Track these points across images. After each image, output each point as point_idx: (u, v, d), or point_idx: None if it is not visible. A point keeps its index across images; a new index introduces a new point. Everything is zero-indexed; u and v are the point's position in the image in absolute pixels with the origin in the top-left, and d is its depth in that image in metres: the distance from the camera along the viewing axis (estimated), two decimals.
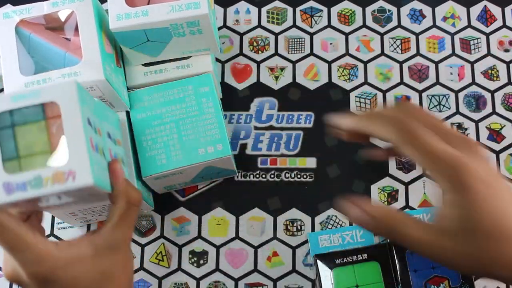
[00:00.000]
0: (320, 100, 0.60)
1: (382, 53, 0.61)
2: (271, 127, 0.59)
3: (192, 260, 0.56)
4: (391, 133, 0.37)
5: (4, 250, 0.38)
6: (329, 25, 0.62)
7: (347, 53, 0.61)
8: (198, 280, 0.55)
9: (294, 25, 0.63)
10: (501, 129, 0.58)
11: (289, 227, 0.56)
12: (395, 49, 0.61)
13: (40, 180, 0.37)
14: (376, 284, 0.48)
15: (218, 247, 0.56)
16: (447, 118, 0.59)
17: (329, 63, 0.61)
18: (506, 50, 0.61)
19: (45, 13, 0.49)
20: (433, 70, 0.60)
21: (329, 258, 0.50)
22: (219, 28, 0.63)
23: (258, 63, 0.61)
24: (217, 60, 0.62)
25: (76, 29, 0.50)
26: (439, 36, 0.62)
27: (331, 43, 0.62)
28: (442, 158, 0.35)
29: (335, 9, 0.63)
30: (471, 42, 0.61)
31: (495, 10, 0.62)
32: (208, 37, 0.51)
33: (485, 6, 0.63)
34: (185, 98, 0.53)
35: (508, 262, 0.35)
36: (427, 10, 0.63)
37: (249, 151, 0.59)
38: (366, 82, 0.60)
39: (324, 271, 0.49)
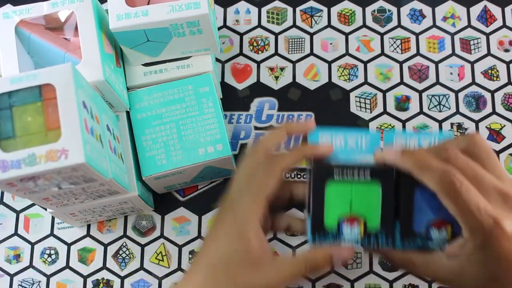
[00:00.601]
0: (320, 100, 0.60)
1: (382, 53, 0.61)
2: (271, 127, 0.59)
3: (192, 260, 0.56)
4: (435, 184, 0.37)
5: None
6: (329, 25, 0.62)
7: (347, 53, 0.61)
8: None
9: (294, 25, 0.63)
10: (501, 129, 0.58)
11: None
12: (395, 49, 0.61)
13: (34, 158, 0.38)
14: (372, 205, 0.42)
15: None
16: (447, 118, 0.59)
17: (329, 63, 0.61)
18: (506, 50, 0.61)
19: (45, 14, 0.49)
20: (433, 70, 0.60)
21: (327, 171, 0.42)
22: (219, 28, 0.63)
23: (258, 63, 0.61)
24: (217, 60, 0.62)
25: (76, 29, 0.50)
26: (439, 36, 0.62)
27: (331, 43, 0.62)
28: (479, 219, 0.36)
29: (335, 9, 0.63)
30: (471, 42, 0.61)
31: (495, 10, 0.62)
32: (208, 37, 0.51)
33: (485, 6, 0.63)
34: (185, 98, 0.53)
35: None
36: (427, 10, 0.63)
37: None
38: (366, 82, 0.60)
39: (318, 185, 0.43)
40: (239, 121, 0.60)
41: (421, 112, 0.59)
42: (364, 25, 0.62)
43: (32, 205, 0.58)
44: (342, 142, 0.45)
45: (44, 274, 0.56)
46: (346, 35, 0.62)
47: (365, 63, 0.61)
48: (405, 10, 0.63)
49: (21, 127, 0.40)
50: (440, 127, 0.58)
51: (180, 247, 0.56)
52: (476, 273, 0.37)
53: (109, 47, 0.51)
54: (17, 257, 0.57)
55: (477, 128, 0.58)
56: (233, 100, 0.60)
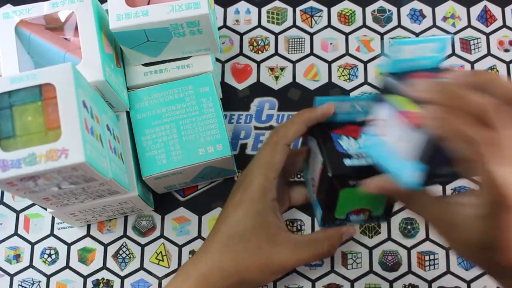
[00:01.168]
0: None
1: (382, 53, 0.61)
2: (271, 127, 0.59)
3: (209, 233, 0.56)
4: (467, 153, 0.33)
5: None
6: (329, 25, 0.62)
7: (347, 53, 0.61)
8: None
9: (294, 25, 0.63)
10: None
11: (289, 227, 0.56)
12: None
13: (34, 157, 0.39)
14: (379, 200, 0.47)
15: None
16: None
17: (329, 63, 0.61)
18: (506, 50, 0.61)
19: (45, 14, 0.49)
20: None
21: (343, 179, 0.45)
22: (219, 28, 0.63)
23: (258, 63, 0.61)
24: (217, 60, 0.62)
25: (76, 29, 0.50)
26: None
27: (331, 43, 0.62)
28: (496, 187, 0.33)
29: (335, 9, 0.63)
30: (471, 42, 0.61)
31: (495, 10, 0.62)
32: (208, 37, 0.51)
33: (485, 6, 0.63)
34: (185, 98, 0.53)
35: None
36: (427, 10, 0.63)
37: (249, 151, 0.59)
38: (366, 82, 0.60)
39: (332, 191, 0.45)
40: (239, 121, 0.60)
41: None
42: (364, 25, 0.62)
43: (32, 205, 0.58)
44: (349, 106, 0.47)
45: (44, 274, 0.56)
46: (346, 35, 0.62)
47: (365, 63, 0.61)
48: (405, 10, 0.63)
49: (21, 126, 0.40)
50: None
51: (180, 247, 0.56)
52: (477, 234, 0.35)
53: (109, 47, 0.51)
54: (17, 257, 0.57)
55: None
56: (233, 100, 0.60)
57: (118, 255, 0.56)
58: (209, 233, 0.47)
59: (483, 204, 0.35)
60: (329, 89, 0.60)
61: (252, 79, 0.61)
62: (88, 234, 0.57)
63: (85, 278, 0.56)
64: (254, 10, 0.63)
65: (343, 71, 0.61)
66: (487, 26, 0.62)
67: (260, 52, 0.62)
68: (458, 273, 0.54)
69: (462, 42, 0.61)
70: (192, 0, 0.48)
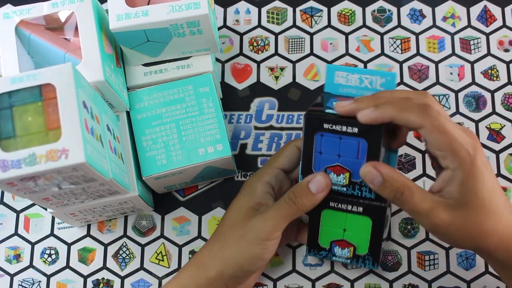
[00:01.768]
0: None
1: (382, 53, 0.61)
2: (271, 127, 0.59)
3: None
4: (418, 118, 0.40)
5: None
6: (329, 25, 0.62)
7: (347, 53, 0.61)
8: None
9: (294, 25, 0.63)
10: (501, 129, 0.58)
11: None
12: (395, 49, 0.61)
13: (34, 157, 0.39)
14: (363, 235, 0.47)
15: None
16: None
17: (329, 63, 0.61)
18: (506, 50, 0.61)
19: (45, 14, 0.49)
20: (433, 70, 0.60)
21: (324, 201, 0.46)
22: (219, 28, 0.63)
23: (258, 63, 0.61)
24: (217, 60, 0.62)
25: (76, 29, 0.50)
26: (439, 36, 0.62)
27: (331, 43, 0.62)
28: (461, 144, 0.40)
29: (335, 9, 0.63)
30: (471, 42, 0.61)
31: (495, 10, 0.62)
32: (208, 37, 0.51)
33: (485, 6, 0.63)
34: (185, 98, 0.53)
35: (493, 233, 0.41)
36: (427, 10, 0.63)
37: (249, 151, 0.59)
38: None
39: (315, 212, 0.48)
40: (239, 121, 0.60)
41: None
42: (364, 25, 0.62)
43: (32, 205, 0.58)
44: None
45: (44, 274, 0.56)
46: (346, 35, 0.62)
47: (365, 63, 0.61)
48: (405, 10, 0.63)
49: (21, 127, 0.40)
50: None
51: (180, 247, 0.56)
52: (460, 195, 0.41)
53: (109, 47, 0.51)
54: (17, 257, 0.57)
55: (477, 128, 0.58)
56: (233, 100, 0.60)
57: (118, 255, 0.56)
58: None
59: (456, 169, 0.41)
60: None
61: (252, 79, 0.61)
62: (88, 234, 0.57)
63: (85, 278, 0.56)
64: (254, 10, 0.63)
65: None
66: (487, 26, 0.62)
67: (260, 52, 0.62)
68: (458, 273, 0.54)
69: (462, 42, 0.61)
70: (192, 0, 0.48)
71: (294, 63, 0.61)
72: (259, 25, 0.63)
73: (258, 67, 0.61)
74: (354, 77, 0.46)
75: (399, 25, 0.62)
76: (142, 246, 0.57)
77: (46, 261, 0.56)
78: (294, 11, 0.63)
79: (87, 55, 0.47)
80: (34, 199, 0.44)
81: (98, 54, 0.47)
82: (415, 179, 0.57)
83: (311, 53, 0.61)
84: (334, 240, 0.48)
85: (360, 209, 0.46)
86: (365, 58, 0.61)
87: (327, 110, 0.44)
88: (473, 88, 0.60)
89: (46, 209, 0.50)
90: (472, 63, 0.61)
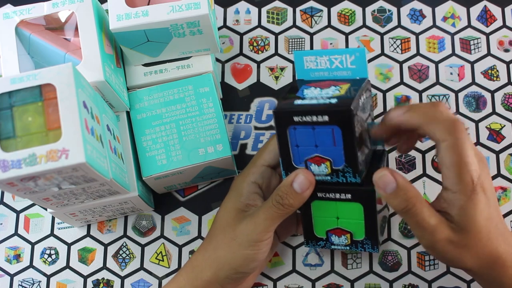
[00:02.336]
0: None
1: (382, 53, 0.61)
2: (271, 127, 0.59)
3: None
4: (444, 133, 0.41)
5: None
6: (329, 25, 0.63)
7: None
8: None
9: (294, 25, 0.63)
10: (501, 129, 0.58)
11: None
12: (395, 49, 0.61)
13: (35, 158, 0.39)
14: (357, 221, 0.47)
15: None
16: None
17: None
18: (506, 50, 0.61)
19: (45, 14, 0.49)
20: (433, 70, 0.60)
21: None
22: (219, 28, 0.63)
23: (258, 63, 0.61)
24: (217, 60, 0.62)
25: (76, 29, 0.50)
26: (439, 36, 0.62)
27: (331, 43, 0.62)
28: (468, 170, 0.41)
29: (335, 9, 0.63)
30: (471, 42, 0.61)
31: (495, 10, 0.62)
32: (208, 37, 0.51)
33: (485, 6, 0.63)
34: (185, 98, 0.53)
35: (482, 256, 0.42)
36: (427, 10, 0.63)
37: (249, 151, 0.59)
38: None
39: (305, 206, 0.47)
40: (239, 121, 0.60)
41: None
42: (364, 25, 0.62)
43: (32, 205, 0.58)
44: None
45: (44, 274, 0.56)
46: (346, 35, 0.62)
47: None
48: (405, 10, 0.63)
49: (21, 127, 0.40)
50: None
51: (180, 247, 0.56)
52: (459, 228, 0.42)
53: (109, 47, 0.51)
54: (17, 257, 0.57)
55: (477, 128, 0.58)
56: (233, 100, 0.60)
57: (118, 255, 0.56)
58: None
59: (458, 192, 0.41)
60: None
61: (252, 79, 0.61)
62: (88, 234, 0.57)
63: (85, 278, 0.56)
64: (254, 10, 0.63)
65: None
66: (487, 26, 0.62)
67: (260, 52, 0.62)
68: (458, 273, 0.54)
69: (462, 42, 0.61)
70: (192, 0, 0.48)
71: (294, 63, 0.61)
72: (259, 25, 0.63)
73: (258, 67, 0.61)
74: (323, 59, 0.46)
75: (399, 25, 0.62)
76: (142, 246, 0.57)
77: (46, 261, 0.56)
78: (294, 11, 0.63)
79: (87, 55, 0.47)
80: (34, 199, 0.44)
81: (98, 54, 0.47)
82: (415, 179, 0.57)
83: None
84: (329, 229, 0.48)
85: (349, 195, 0.46)
86: None
87: (296, 102, 0.43)
88: (473, 88, 0.60)
89: (46, 209, 0.50)
90: (472, 63, 0.61)
